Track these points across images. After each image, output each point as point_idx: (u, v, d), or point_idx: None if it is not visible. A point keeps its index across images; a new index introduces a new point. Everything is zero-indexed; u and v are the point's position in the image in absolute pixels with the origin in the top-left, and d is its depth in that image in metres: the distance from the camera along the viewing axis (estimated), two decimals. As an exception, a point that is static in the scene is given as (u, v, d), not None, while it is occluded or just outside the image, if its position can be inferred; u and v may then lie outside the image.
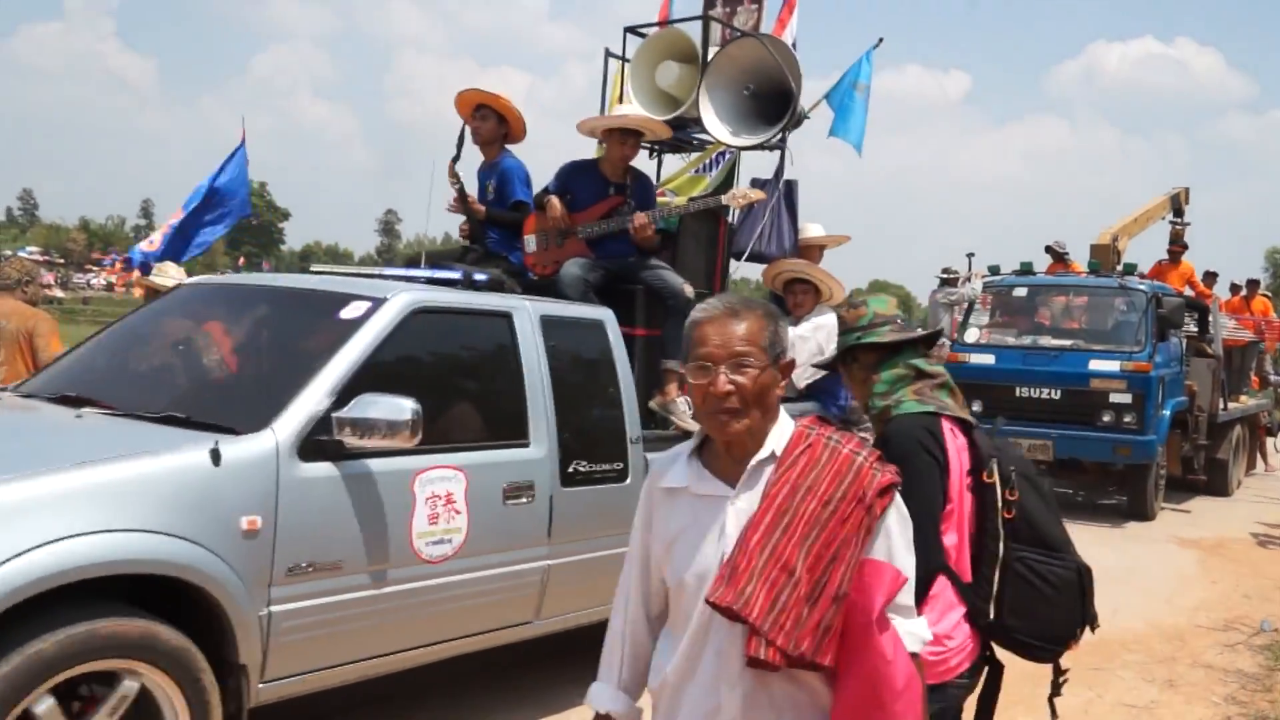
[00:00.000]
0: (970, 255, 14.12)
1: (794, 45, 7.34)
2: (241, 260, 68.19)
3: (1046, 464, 12.76)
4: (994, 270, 13.79)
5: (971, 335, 13.19)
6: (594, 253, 6.00)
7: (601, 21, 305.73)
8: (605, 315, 5.42)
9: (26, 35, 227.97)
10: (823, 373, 6.34)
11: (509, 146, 6.48)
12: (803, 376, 6.36)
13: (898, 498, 2.30)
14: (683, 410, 5.66)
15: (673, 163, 7.52)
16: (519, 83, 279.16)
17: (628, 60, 7.04)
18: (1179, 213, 16.02)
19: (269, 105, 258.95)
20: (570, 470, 4.96)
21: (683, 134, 6.83)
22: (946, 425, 3.03)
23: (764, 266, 6.76)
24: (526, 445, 4.82)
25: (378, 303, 4.48)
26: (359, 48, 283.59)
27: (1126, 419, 11.82)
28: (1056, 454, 12.11)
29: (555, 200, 6.02)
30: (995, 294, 13.52)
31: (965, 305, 13.57)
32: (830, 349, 6.37)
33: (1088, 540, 10.91)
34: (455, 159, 6.22)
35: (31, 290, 7.17)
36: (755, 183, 6.83)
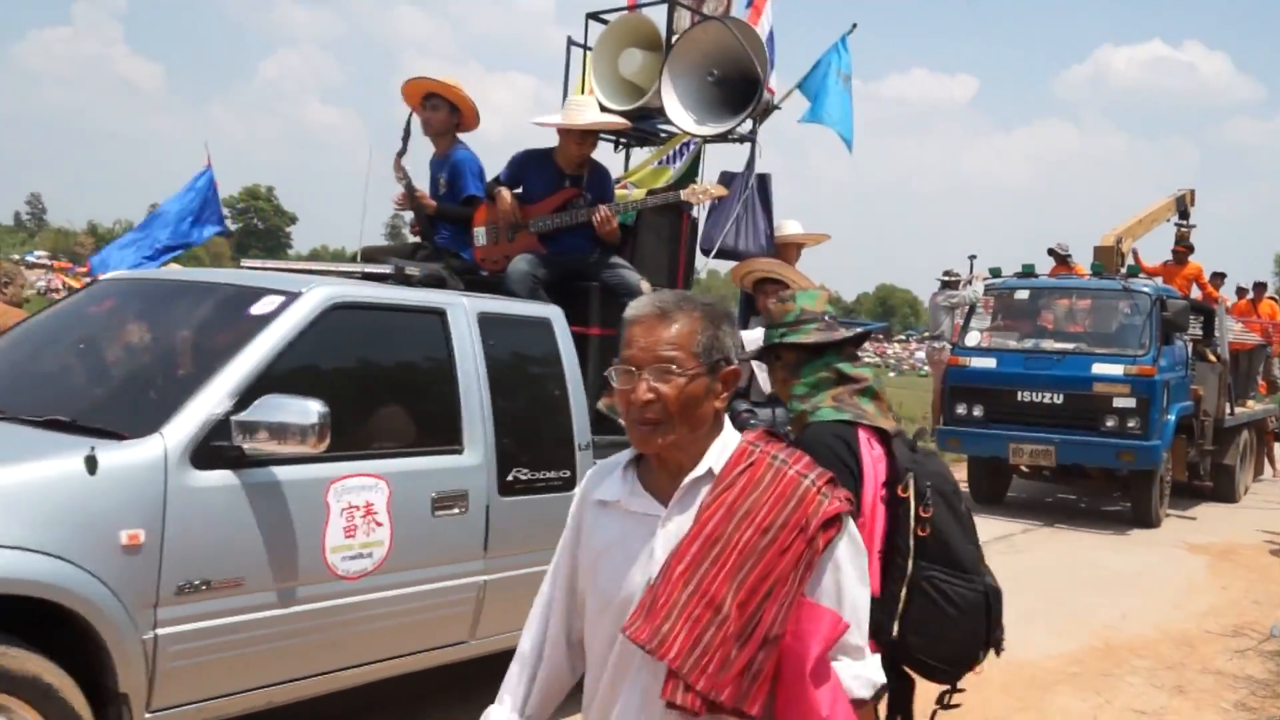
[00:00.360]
0: (972, 257, 13.69)
1: (770, 36, 6.92)
2: (252, 268, 67.89)
3: (1049, 470, 12.46)
4: (995, 273, 13.38)
5: (972, 339, 12.87)
6: (547, 248, 5.60)
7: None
8: (553, 313, 5.03)
9: (35, 40, 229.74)
10: None
11: (461, 137, 6.09)
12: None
13: (850, 525, 2.06)
14: None
15: (639, 154, 7.12)
16: (525, 85, 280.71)
17: (590, 49, 6.65)
18: (1185, 214, 15.57)
19: (276, 109, 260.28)
20: (510, 479, 4.58)
21: (647, 124, 6.42)
22: (864, 435, 2.90)
23: (734, 264, 6.34)
24: (460, 452, 4.44)
25: (291, 297, 4.11)
26: (365, 52, 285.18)
27: (1130, 424, 11.49)
28: (1059, 459, 11.87)
29: (505, 192, 5.62)
30: (997, 297, 13.14)
31: (966, 308, 13.16)
32: None
33: (1094, 544, 10.69)
34: (401, 152, 5.80)
35: (11, 291, 7.25)
36: (725, 176, 6.42)
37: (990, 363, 12.32)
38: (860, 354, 3.24)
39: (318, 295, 4.14)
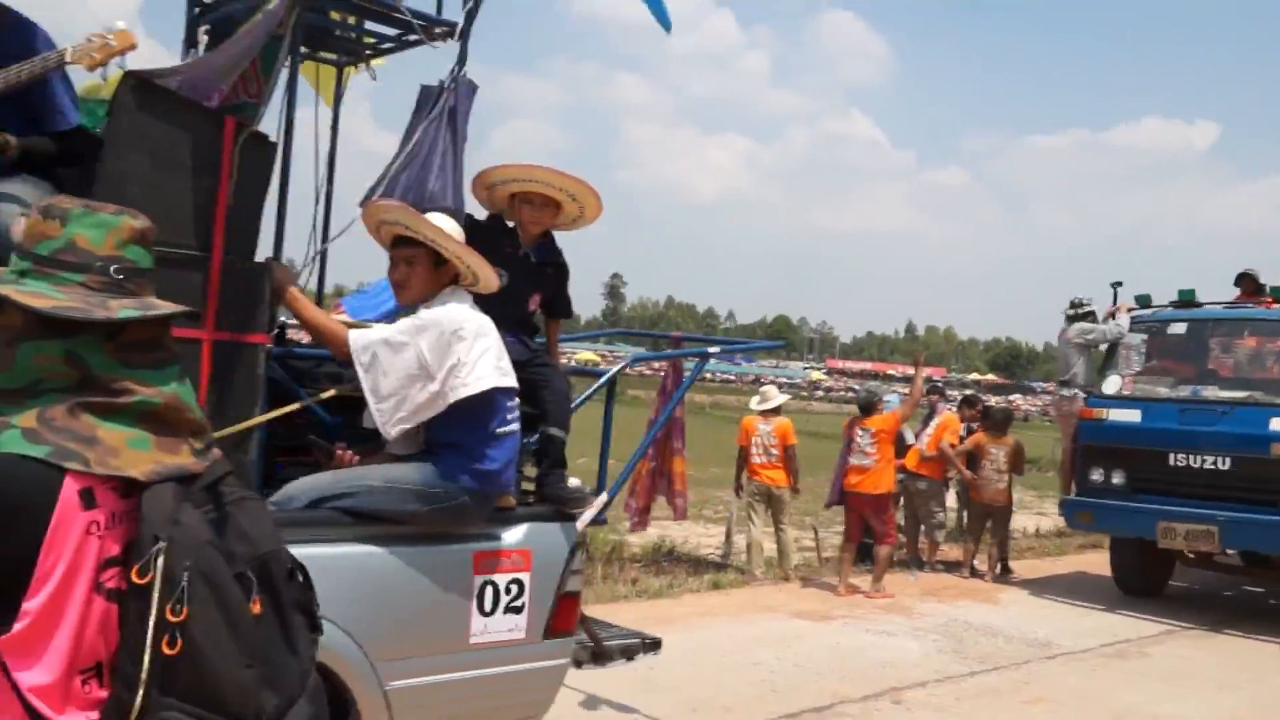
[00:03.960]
0: (1116, 285, 10.26)
1: None
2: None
3: (1211, 556, 9.03)
4: (1143, 301, 9.99)
5: (1112, 385, 9.60)
6: None
7: (825, 82, 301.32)
8: None
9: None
10: (441, 408, 3.22)
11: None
12: (395, 416, 3.20)
13: None
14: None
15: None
16: (740, 147, 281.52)
17: None
18: None
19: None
20: None
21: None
22: (76, 486, 1.48)
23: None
24: None
25: None
26: (587, 119, 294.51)
27: (1330, 500, 8.40)
28: (1225, 543, 8.93)
29: None
30: (1146, 333, 9.71)
31: (1107, 347, 9.80)
32: (445, 366, 3.23)
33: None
34: None
35: None
36: (425, 91, 3.76)
37: (1134, 415, 9.34)
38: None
39: None
